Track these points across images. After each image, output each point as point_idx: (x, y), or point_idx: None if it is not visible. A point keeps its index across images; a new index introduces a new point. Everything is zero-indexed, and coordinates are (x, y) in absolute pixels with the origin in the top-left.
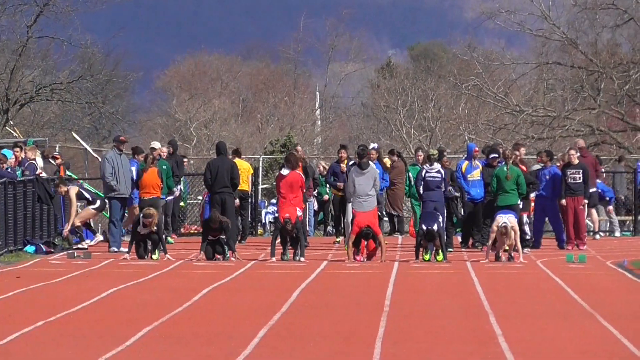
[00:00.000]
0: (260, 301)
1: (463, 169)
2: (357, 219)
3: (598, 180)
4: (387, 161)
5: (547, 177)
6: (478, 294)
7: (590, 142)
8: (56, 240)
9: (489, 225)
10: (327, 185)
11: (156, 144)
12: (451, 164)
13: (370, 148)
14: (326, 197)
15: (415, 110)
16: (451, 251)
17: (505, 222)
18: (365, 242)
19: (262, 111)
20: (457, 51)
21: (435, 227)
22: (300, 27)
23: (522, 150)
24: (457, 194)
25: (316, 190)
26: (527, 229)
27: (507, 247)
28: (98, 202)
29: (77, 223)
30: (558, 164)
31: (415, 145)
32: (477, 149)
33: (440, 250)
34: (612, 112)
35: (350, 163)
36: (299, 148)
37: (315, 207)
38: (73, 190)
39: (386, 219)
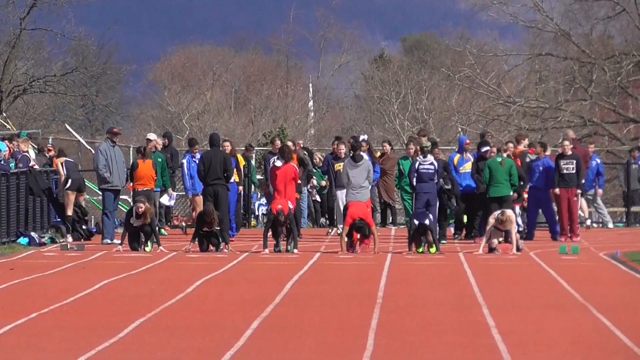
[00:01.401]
0: (253, 293)
1: (455, 162)
2: (350, 210)
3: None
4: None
5: (541, 168)
6: (471, 286)
7: (583, 133)
8: (50, 231)
9: (481, 217)
10: (325, 176)
11: (152, 136)
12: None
13: (360, 140)
14: (323, 182)
15: (408, 101)
16: (444, 243)
17: (502, 210)
18: (358, 235)
19: (255, 103)
20: (450, 42)
21: (426, 222)
22: (290, 19)
23: (525, 141)
24: (449, 187)
25: (314, 182)
26: (519, 220)
27: (501, 239)
28: (69, 182)
29: (69, 212)
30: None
31: (409, 136)
32: (468, 141)
33: (433, 244)
34: (604, 103)
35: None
36: (277, 141)
37: (318, 198)
38: (59, 160)
39: (378, 210)
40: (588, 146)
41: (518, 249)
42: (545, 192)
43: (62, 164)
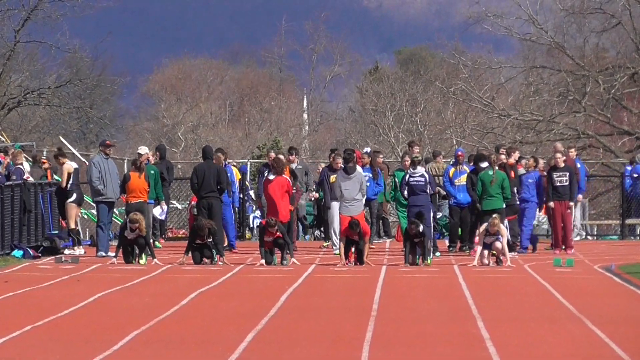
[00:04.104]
0: (247, 305)
1: (450, 174)
2: (345, 221)
3: None
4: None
5: (530, 181)
6: (466, 298)
7: (577, 146)
8: (44, 243)
9: (471, 229)
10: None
11: (143, 149)
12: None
13: (363, 152)
14: (316, 194)
15: (403, 114)
16: (439, 255)
17: (495, 215)
18: (353, 249)
19: (249, 115)
20: (444, 55)
21: (420, 229)
22: (282, 32)
23: (516, 153)
24: (444, 193)
25: (315, 194)
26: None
27: (494, 252)
28: (74, 195)
29: (72, 225)
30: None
31: (403, 149)
32: (460, 153)
33: (427, 254)
34: (598, 115)
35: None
36: (272, 154)
37: (316, 212)
38: (67, 168)
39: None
40: (569, 152)
41: (499, 261)
42: (532, 205)
43: (70, 173)
